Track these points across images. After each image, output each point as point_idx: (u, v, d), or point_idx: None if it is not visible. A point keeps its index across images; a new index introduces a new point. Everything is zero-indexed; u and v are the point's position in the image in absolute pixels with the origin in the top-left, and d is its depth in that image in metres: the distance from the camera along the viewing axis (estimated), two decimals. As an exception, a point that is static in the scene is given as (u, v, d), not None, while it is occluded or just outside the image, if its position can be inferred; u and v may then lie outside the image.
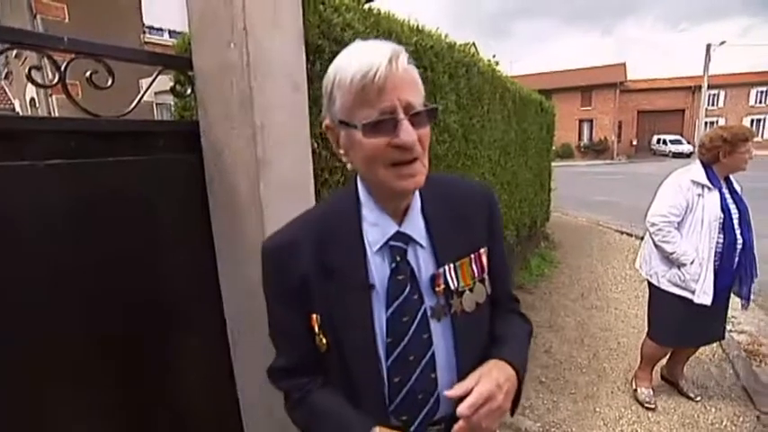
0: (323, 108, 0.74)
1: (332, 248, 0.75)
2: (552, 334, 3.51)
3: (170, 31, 9.48)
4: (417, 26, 2.20)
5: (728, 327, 3.52)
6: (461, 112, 2.82)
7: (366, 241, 0.75)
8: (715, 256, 2.24)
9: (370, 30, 1.74)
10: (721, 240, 2.25)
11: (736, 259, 2.27)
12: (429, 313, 0.77)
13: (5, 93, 14.53)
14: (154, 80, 1.21)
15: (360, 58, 0.64)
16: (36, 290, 1.00)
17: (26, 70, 1.00)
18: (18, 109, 12.97)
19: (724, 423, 2.35)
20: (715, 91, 29.97)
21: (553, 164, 6.78)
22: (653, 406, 2.47)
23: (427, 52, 2.24)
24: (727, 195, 2.27)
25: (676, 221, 2.28)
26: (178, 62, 1.26)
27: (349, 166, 0.74)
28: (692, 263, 2.24)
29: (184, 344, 1.34)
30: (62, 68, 1.03)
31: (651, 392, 2.54)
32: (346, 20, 1.58)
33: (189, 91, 1.30)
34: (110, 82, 1.10)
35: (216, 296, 1.39)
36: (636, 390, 2.59)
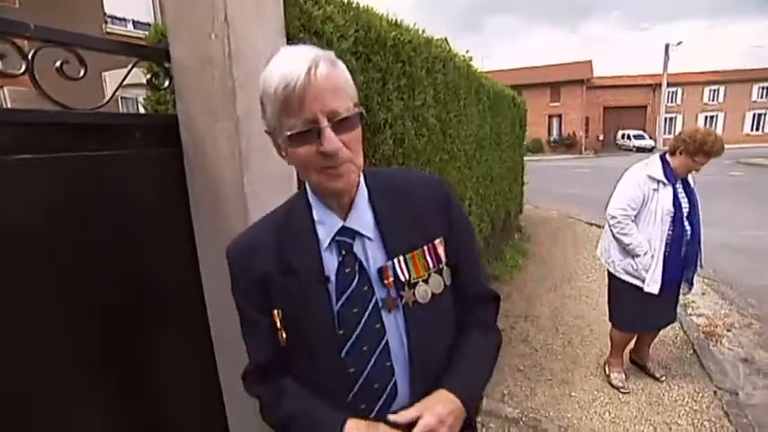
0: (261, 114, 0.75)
1: (289, 247, 0.79)
2: (528, 323, 3.63)
3: (134, 22, 9.05)
4: (396, 21, 2.21)
5: (688, 311, 3.77)
6: (439, 106, 2.85)
7: (318, 238, 0.78)
8: (665, 247, 2.39)
9: (349, 23, 1.73)
10: (671, 233, 2.39)
11: (684, 249, 2.43)
12: (380, 304, 0.78)
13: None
14: (129, 71, 1.16)
15: (281, 69, 0.66)
16: (7, 287, 0.95)
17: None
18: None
19: (686, 399, 2.51)
20: (674, 89, 31.57)
21: (525, 158, 6.96)
22: (626, 390, 2.61)
23: (405, 47, 2.24)
24: (681, 190, 2.42)
25: (633, 214, 2.42)
26: (155, 54, 1.22)
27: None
28: (645, 254, 2.38)
29: (166, 340, 1.31)
30: (29, 57, 0.97)
31: (623, 376, 2.68)
32: (326, 12, 1.56)
33: (166, 84, 1.26)
34: (82, 73, 1.05)
35: (197, 291, 1.36)
36: (609, 375, 2.73)
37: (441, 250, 0.83)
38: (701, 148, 2.24)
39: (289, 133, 0.67)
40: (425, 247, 0.81)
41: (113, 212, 1.15)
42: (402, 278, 0.78)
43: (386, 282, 0.78)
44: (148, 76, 1.27)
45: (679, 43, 26.59)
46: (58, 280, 1.04)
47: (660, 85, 27.58)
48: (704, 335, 3.35)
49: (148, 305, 1.25)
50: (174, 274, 1.31)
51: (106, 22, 8.65)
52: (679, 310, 3.59)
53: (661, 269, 2.39)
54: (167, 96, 1.39)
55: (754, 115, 32.98)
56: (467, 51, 3.85)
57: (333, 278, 0.77)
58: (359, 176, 0.76)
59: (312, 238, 0.78)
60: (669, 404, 2.48)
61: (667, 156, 2.41)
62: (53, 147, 1.00)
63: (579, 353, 3.12)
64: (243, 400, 1.39)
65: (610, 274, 2.63)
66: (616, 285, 2.59)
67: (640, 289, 2.42)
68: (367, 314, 0.77)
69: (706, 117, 32.72)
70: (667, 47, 26.48)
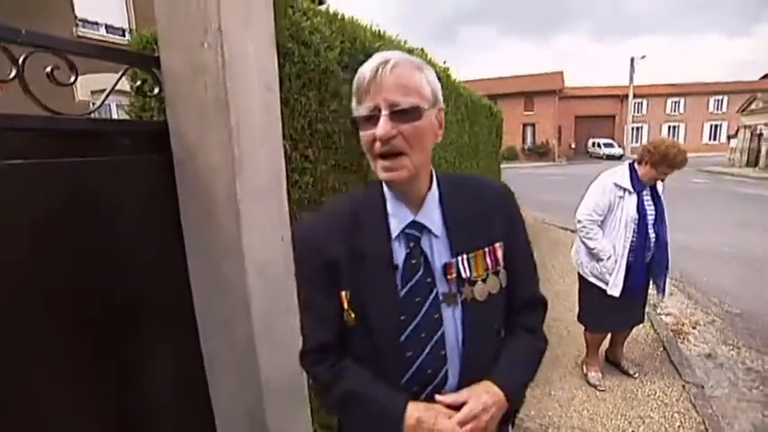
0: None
1: (361, 234, 0.84)
2: (508, 326, 3.71)
3: (107, 26, 8.81)
4: (379, 32, 2.27)
5: (657, 310, 3.96)
6: (421, 115, 2.92)
7: (389, 229, 0.85)
8: (629, 253, 2.51)
9: (335, 34, 1.77)
10: (634, 239, 2.52)
11: (649, 255, 2.56)
12: (440, 298, 0.84)
13: None
14: (120, 78, 1.16)
15: (364, 66, 0.78)
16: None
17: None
18: None
19: (657, 394, 2.63)
20: (639, 100, 33.13)
21: (501, 166, 7.14)
22: (603, 388, 2.72)
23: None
24: (648, 197, 2.54)
25: (600, 220, 2.54)
26: (145, 61, 1.22)
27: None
28: (608, 258, 2.51)
29: (154, 347, 1.29)
30: (20, 62, 0.96)
31: (600, 375, 2.80)
32: (314, 24, 1.60)
33: (156, 91, 1.26)
34: (72, 79, 1.05)
35: (187, 299, 1.36)
36: (586, 374, 2.83)
37: (500, 254, 0.88)
38: (663, 160, 2.36)
39: (356, 115, 0.78)
40: (487, 249, 0.87)
41: (101, 219, 1.14)
42: (464, 275, 0.84)
43: (449, 277, 0.83)
44: (136, 82, 1.27)
45: (643, 57, 27.98)
46: (44, 288, 1.02)
47: (627, 96, 28.89)
48: (673, 333, 3.52)
49: (136, 313, 1.24)
50: (163, 282, 1.30)
51: (77, 26, 8.39)
52: (649, 309, 3.77)
53: (623, 274, 2.51)
54: (152, 103, 1.39)
55: (711, 126, 34.99)
56: (444, 62, 3.96)
57: (400, 267, 0.83)
58: (415, 173, 0.80)
59: (383, 228, 0.84)
60: (642, 399, 2.60)
61: (635, 164, 2.53)
62: (39, 153, 0.99)
63: (558, 353, 3.22)
64: (231, 399, 1.39)
65: (579, 276, 2.76)
66: (585, 286, 2.72)
67: (605, 291, 2.54)
68: (428, 304, 0.83)
69: (669, 127, 34.47)
70: (632, 60, 27.82)
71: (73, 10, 8.33)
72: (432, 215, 0.85)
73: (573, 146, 33.80)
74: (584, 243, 2.60)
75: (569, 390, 2.74)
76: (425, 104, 0.79)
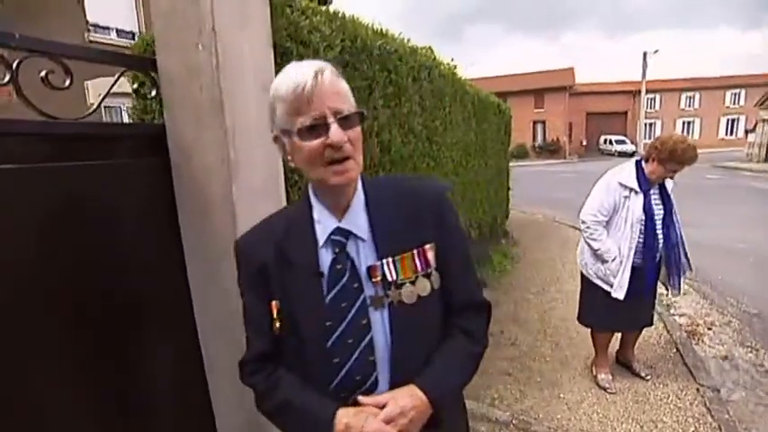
0: (269, 122, 0.84)
1: (289, 243, 0.86)
2: (517, 327, 3.67)
3: (118, 30, 8.96)
4: (381, 30, 2.25)
5: (671, 311, 3.86)
6: (425, 114, 2.90)
7: (316, 236, 0.85)
8: (635, 255, 2.43)
9: (336, 33, 1.75)
10: (641, 240, 2.43)
11: (658, 256, 2.48)
12: (368, 302, 0.83)
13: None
14: (116, 81, 1.16)
15: (291, 76, 0.76)
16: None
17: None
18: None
19: (670, 398, 2.56)
20: (652, 95, 32.49)
21: (510, 164, 7.07)
22: (613, 390, 2.65)
23: (391, 56, 2.28)
24: (656, 196, 2.46)
25: (605, 221, 2.46)
26: (142, 63, 1.22)
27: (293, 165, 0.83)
28: (613, 260, 2.43)
29: (154, 346, 1.30)
30: (14, 67, 0.97)
31: (610, 377, 2.73)
32: (313, 23, 1.59)
33: (153, 93, 1.26)
34: (68, 82, 1.05)
35: (185, 299, 1.35)
36: (596, 376, 2.77)
37: (430, 255, 0.87)
38: (672, 156, 2.27)
39: (299, 126, 0.75)
40: (415, 251, 0.85)
41: (101, 222, 1.15)
42: (389, 278, 0.83)
43: (373, 280, 0.83)
44: (135, 85, 1.27)
45: (656, 51, 27.39)
46: (43, 290, 1.02)
47: (639, 91, 28.38)
48: (687, 334, 3.43)
49: (136, 313, 1.24)
50: (162, 282, 1.30)
51: (89, 31, 8.54)
52: (661, 309, 3.69)
53: (628, 276, 2.43)
54: (153, 105, 1.39)
55: (727, 120, 34.16)
56: (452, 59, 3.92)
57: (326, 273, 0.83)
58: (357, 175, 0.82)
59: (310, 236, 0.85)
60: (654, 402, 2.53)
61: (642, 162, 2.45)
62: (38, 157, 0.99)
63: (567, 355, 3.16)
64: (230, 397, 1.39)
65: (582, 276, 2.70)
66: (587, 286, 2.66)
67: (609, 293, 2.48)
68: (354, 309, 0.82)
69: (684, 122, 33.77)
70: (645, 55, 27.27)
71: (85, 15, 8.49)
72: (357, 220, 0.85)
73: (584, 143, 33.31)
74: (588, 244, 2.53)
75: (578, 392, 2.69)
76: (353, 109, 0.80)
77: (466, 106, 4.07)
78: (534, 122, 32.37)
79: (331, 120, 0.75)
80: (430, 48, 3.26)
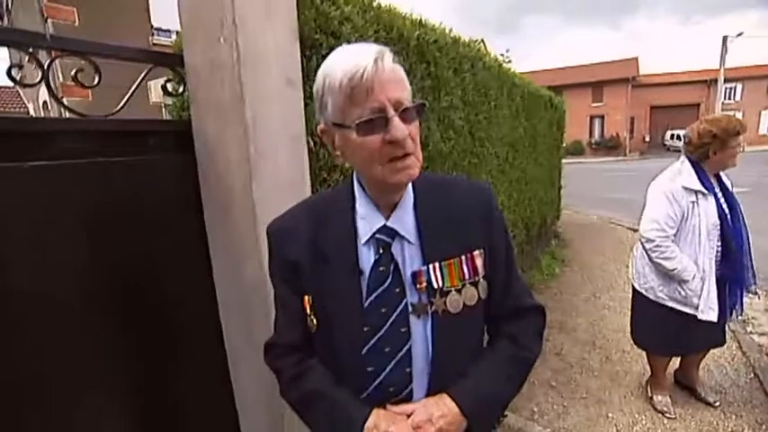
0: (315, 112, 0.76)
1: (326, 235, 0.79)
2: (564, 335, 3.42)
3: (177, 33, 9.53)
4: (420, 20, 2.14)
5: (748, 329, 3.42)
6: (467, 108, 2.75)
7: (357, 232, 0.78)
8: (715, 265, 2.10)
9: (369, 24, 1.68)
10: (719, 249, 2.11)
11: (742, 264, 2.14)
12: (410, 309, 0.77)
13: (20, 96, 14.83)
14: (143, 78, 1.17)
15: (346, 61, 0.67)
16: (19, 293, 0.97)
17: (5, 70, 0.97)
18: (32, 112, 13.21)
19: (745, 430, 2.24)
20: (732, 84, 29.21)
21: (564, 161, 6.65)
22: (673, 415, 2.36)
23: (430, 47, 2.17)
24: (720, 196, 2.14)
25: (672, 234, 2.11)
26: (169, 60, 1.22)
27: (347, 164, 0.74)
28: (693, 278, 2.08)
29: (179, 344, 1.31)
30: (45, 67, 0.99)
31: (669, 400, 2.43)
32: (344, 13, 1.52)
33: (181, 89, 1.26)
34: (96, 80, 1.06)
35: (210, 295, 1.35)
36: (652, 397, 2.49)
37: (479, 262, 0.81)
38: (732, 132, 2.00)
39: (357, 121, 0.67)
40: (463, 257, 0.80)
41: (129, 218, 1.16)
42: (435, 285, 0.78)
43: (418, 286, 0.77)
44: (162, 81, 1.27)
45: (739, 35, 24.51)
46: (72, 285, 1.05)
47: (715, 81, 25.64)
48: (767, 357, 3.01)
49: (162, 310, 1.25)
50: (188, 279, 1.31)
51: (153, 35, 9.17)
52: (737, 327, 3.27)
53: (716, 292, 2.10)
54: (186, 102, 1.40)
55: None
56: (507, 51, 3.73)
57: (366, 273, 0.77)
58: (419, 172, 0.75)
59: (351, 231, 0.79)
60: (724, 434, 2.23)
61: (703, 165, 2.13)
62: (66, 154, 1.01)
63: (618, 370, 2.89)
64: (255, 398, 1.37)
65: (645, 299, 2.30)
66: (654, 310, 2.26)
67: (685, 314, 2.14)
68: (394, 316, 0.77)
69: (770, 113, 30.05)
70: (725, 39, 24.57)
71: (150, 20, 9.12)
72: (405, 220, 0.78)
73: (647, 139, 30.78)
74: (658, 264, 2.15)
75: (630, 414, 2.43)
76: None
77: (514, 100, 3.84)
78: (592, 117, 30.41)
79: (392, 113, 0.67)
80: (482, 41, 3.09)
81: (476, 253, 0.81)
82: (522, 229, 4.33)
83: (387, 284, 0.76)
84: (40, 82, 0.98)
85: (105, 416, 1.14)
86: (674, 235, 2.12)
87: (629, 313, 2.53)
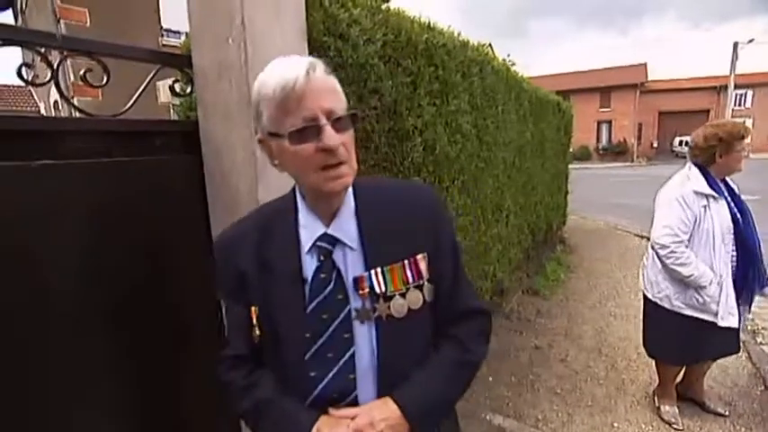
0: (253, 122, 0.77)
1: (270, 246, 0.80)
2: (569, 342, 3.38)
3: (187, 34, 9.62)
4: (428, 23, 2.14)
5: (758, 339, 3.36)
6: (475, 112, 2.74)
7: (300, 240, 0.79)
8: (732, 270, 2.07)
9: (377, 26, 1.68)
10: (734, 252, 2.07)
11: (759, 269, 2.10)
12: (353, 315, 0.77)
13: (32, 96, 15.03)
14: (151, 79, 1.17)
15: (279, 72, 0.68)
16: (24, 291, 0.97)
17: (17, 69, 0.97)
18: (42, 111, 13.39)
19: (755, 443, 2.20)
20: (742, 90, 28.92)
21: (570, 166, 6.60)
22: (680, 426, 2.31)
23: (439, 50, 2.16)
24: (729, 201, 2.11)
25: (686, 239, 2.08)
26: (177, 60, 1.22)
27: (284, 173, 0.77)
28: (710, 283, 2.04)
29: (184, 344, 1.31)
30: (55, 67, 0.99)
31: (676, 411, 2.39)
32: (353, 16, 1.52)
33: (189, 90, 1.26)
34: (105, 80, 1.07)
35: (214, 295, 1.35)
36: (659, 408, 2.44)
37: (423, 266, 0.81)
38: (737, 135, 2.01)
39: (290, 130, 0.68)
40: (406, 261, 0.80)
41: (136, 218, 1.16)
42: (378, 290, 0.78)
43: (360, 292, 0.77)
44: (170, 82, 1.28)
45: (750, 41, 24.27)
46: (78, 284, 1.05)
47: (725, 87, 25.38)
48: (777, 368, 2.95)
49: (167, 309, 1.25)
50: (194, 279, 1.30)
51: (162, 36, 9.25)
52: (747, 338, 3.22)
53: (734, 297, 2.06)
54: (193, 103, 1.40)
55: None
56: (508, 55, 3.71)
57: (309, 281, 0.78)
58: (352, 180, 0.76)
59: (294, 240, 0.79)
60: (733, 447, 2.19)
61: (710, 169, 2.11)
62: (75, 153, 1.02)
63: (625, 378, 2.85)
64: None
65: (658, 308, 2.26)
66: (670, 320, 2.21)
67: (702, 322, 2.10)
68: (337, 322, 0.77)
69: (782, 121, 29.67)
70: (736, 45, 24.34)
71: (159, 22, 9.21)
72: (346, 226, 0.79)
73: (655, 145, 30.53)
74: (672, 271, 2.11)
75: (636, 423, 2.39)
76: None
77: (521, 104, 3.83)
78: (599, 122, 30.24)
79: (324, 122, 0.68)
80: (489, 45, 3.08)
81: (419, 257, 0.81)
82: (527, 235, 4.30)
83: (328, 291, 0.77)
84: (49, 81, 0.99)
85: (111, 416, 1.14)
86: (688, 240, 2.09)
87: (637, 322, 2.49)
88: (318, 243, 0.78)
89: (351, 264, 0.78)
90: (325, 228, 0.79)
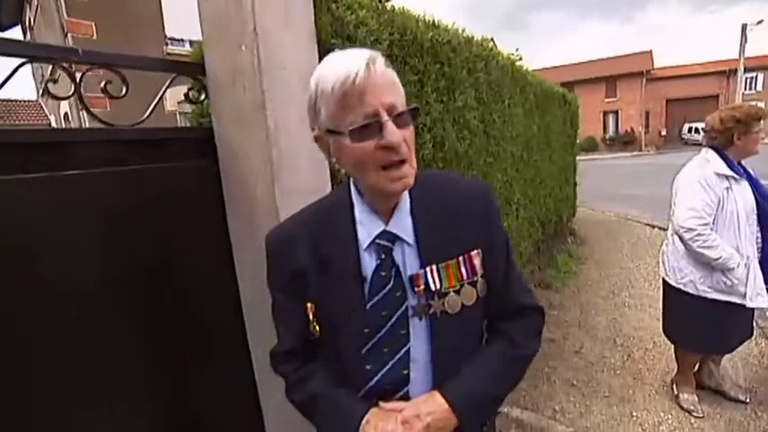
0: (309, 120, 0.77)
1: (328, 244, 0.79)
2: (583, 333, 3.38)
3: (191, 42, 9.71)
4: (433, 21, 2.15)
5: (777, 325, 3.31)
6: (481, 107, 2.75)
7: (357, 238, 0.79)
8: (758, 251, 2.06)
9: (383, 27, 1.69)
10: (759, 233, 2.06)
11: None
12: (410, 312, 0.78)
13: (42, 109, 15.31)
14: (167, 88, 1.20)
15: (338, 67, 0.66)
16: (49, 297, 1.00)
17: (40, 83, 1.01)
18: (53, 124, 13.62)
19: (777, 430, 2.18)
20: (752, 74, 28.37)
21: (578, 158, 6.56)
22: (700, 414, 2.30)
23: (444, 47, 2.18)
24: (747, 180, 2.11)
25: (711, 222, 2.06)
26: (191, 69, 1.25)
27: (342, 171, 0.77)
28: (738, 265, 2.02)
29: (205, 350, 1.34)
30: (78, 80, 1.03)
31: (695, 398, 2.38)
32: (359, 17, 1.54)
33: (203, 97, 1.29)
34: (124, 91, 1.10)
35: (235, 299, 1.38)
36: (678, 395, 2.43)
37: (477, 262, 0.81)
38: (755, 117, 2.01)
39: (350, 128, 0.67)
40: (461, 258, 0.80)
41: (156, 225, 1.20)
42: (433, 287, 0.78)
43: (416, 289, 0.78)
44: (185, 89, 1.31)
45: (759, 22, 23.68)
46: (101, 291, 1.09)
47: (735, 71, 24.89)
48: (797, 353, 2.92)
49: (187, 313, 1.28)
50: (214, 284, 1.34)
51: (167, 44, 9.36)
52: (765, 324, 3.18)
53: (762, 277, 2.05)
54: (207, 109, 1.44)
55: None
56: (516, 50, 3.71)
57: (368, 279, 0.78)
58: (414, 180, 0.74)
59: (351, 237, 0.79)
60: (754, 433, 2.17)
61: (727, 152, 2.09)
62: (97, 162, 1.05)
63: (641, 368, 2.84)
64: (280, 402, 1.39)
65: (682, 294, 2.22)
66: (696, 306, 2.18)
67: (732, 305, 2.08)
68: (395, 318, 0.78)
69: (793, 104, 29.08)
70: (744, 27, 23.84)
71: (164, 30, 9.31)
72: (403, 222, 0.79)
73: (663, 133, 30.07)
74: (699, 254, 2.07)
75: (655, 412, 2.39)
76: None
77: (527, 98, 3.82)
78: (605, 113, 29.90)
79: (386, 118, 0.66)
80: (491, 39, 3.08)
81: (473, 253, 0.81)
82: (538, 227, 4.29)
83: (388, 289, 0.78)
84: (73, 95, 1.02)
85: (134, 418, 1.17)
86: (712, 223, 2.06)
87: (652, 311, 2.47)
88: (378, 240, 0.78)
89: (408, 260, 0.79)
90: (384, 225, 0.78)
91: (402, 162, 0.70)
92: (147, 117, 1.16)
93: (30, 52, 0.97)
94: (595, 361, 2.97)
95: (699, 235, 2.04)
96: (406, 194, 0.80)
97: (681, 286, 2.22)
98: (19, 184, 0.93)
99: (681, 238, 2.13)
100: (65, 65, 1.01)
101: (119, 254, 1.12)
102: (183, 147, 1.24)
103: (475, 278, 0.81)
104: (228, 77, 1.16)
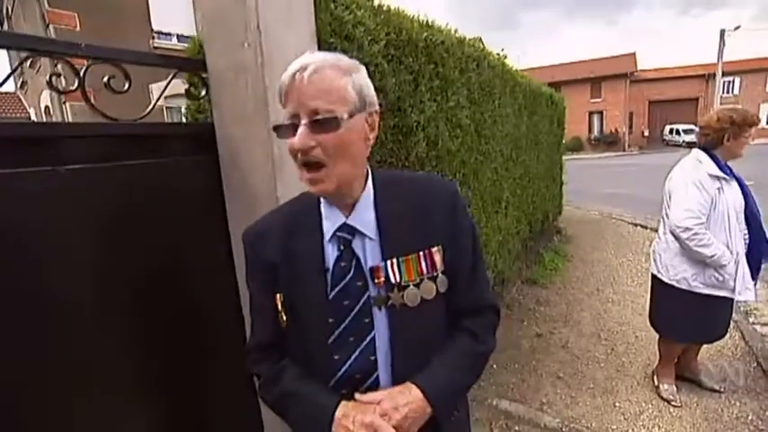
0: None
1: (296, 237, 0.84)
2: (568, 328, 3.47)
3: (178, 36, 9.55)
4: (427, 22, 2.19)
5: (751, 319, 3.47)
6: (473, 107, 2.80)
7: (323, 230, 0.84)
8: (745, 247, 2.18)
9: (380, 26, 1.72)
10: (746, 230, 2.18)
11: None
12: (372, 301, 0.82)
13: (21, 102, 14.86)
14: (169, 83, 1.21)
15: (285, 72, 0.74)
16: (50, 291, 1.01)
17: (47, 77, 1.01)
18: (33, 117, 13.24)
19: (749, 417, 2.30)
20: (730, 78, 29.21)
21: (564, 157, 6.69)
22: (678, 403, 2.42)
23: (438, 48, 2.22)
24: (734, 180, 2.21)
25: (704, 222, 2.16)
26: (192, 65, 1.26)
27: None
28: (729, 262, 2.14)
29: (203, 344, 1.35)
30: (81, 74, 1.04)
31: (674, 389, 2.49)
32: (357, 17, 1.57)
33: (203, 93, 1.30)
34: (126, 86, 1.11)
35: (235, 297, 1.40)
36: (658, 386, 2.54)
37: (438, 258, 0.84)
38: (749, 122, 2.11)
39: (274, 124, 0.75)
40: (421, 253, 0.83)
41: (156, 219, 1.21)
42: (392, 280, 0.81)
43: (376, 281, 0.81)
44: (186, 85, 1.32)
45: (737, 28, 24.44)
46: (101, 286, 1.10)
47: (713, 75, 25.63)
48: (770, 346, 3.06)
49: (186, 307, 1.30)
50: (212, 279, 1.35)
51: (153, 38, 9.19)
52: (740, 318, 3.33)
53: (749, 272, 2.18)
54: (206, 105, 1.45)
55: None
56: (502, 49, 3.76)
57: (331, 269, 0.82)
58: (338, 185, 0.76)
59: (317, 231, 0.83)
60: (729, 421, 2.28)
61: (716, 152, 2.19)
62: (99, 156, 1.06)
63: (624, 361, 2.94)
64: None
65: (674, 290, 2.32)
66: (687, 301, 2.28)
67: (718, 299, 2.21)
68: (358, 307, 0.81)
69: (769, 107, 30.04)
70: (723, 32, 24.56)
71: (150, 24, 9.14)
72: (365, 217, 0.83)
73: (646, 134, 30.78)
74: (695, 254, 2.16)
75: (637, 402, 2.49)
76: (348, 111, 0.73)
77: (516, 98, 3.89)
78: (590, 113, 30.43)
79: (304, 121, 0.71)
80: (479, 39, 3.14)
81: (434, 249, 0.84)
82: (525, 225, 4.37)
83: (348, 279, 0.81)
84: (77, 89, 1.03)
85: (135, 415, 1.19)
86: (706, 221, 2.16)
87: (635, 306, 2.58)
88: (338, 233, 0.82)
89: (369, 252, 0.82)
90: (344, 218, 0.82)
91: (316, 165, 0.73)
92: (150, 111, 1.17)
93: (29, 45, 0.97)
94: (581, 354, 3.07)
95: (695, 234, 2.12)
96: (369, 190, 0.84)
97: (674, 283, 2.32)
98: (19, 178, 0.93)
99: (677, 238, 2.21)
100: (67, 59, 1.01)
101: (118, 250, 1.12)
102: (184, 142, 1.25)
103: (435, 273, 0.84)
104: (231, 74, 1.17)
